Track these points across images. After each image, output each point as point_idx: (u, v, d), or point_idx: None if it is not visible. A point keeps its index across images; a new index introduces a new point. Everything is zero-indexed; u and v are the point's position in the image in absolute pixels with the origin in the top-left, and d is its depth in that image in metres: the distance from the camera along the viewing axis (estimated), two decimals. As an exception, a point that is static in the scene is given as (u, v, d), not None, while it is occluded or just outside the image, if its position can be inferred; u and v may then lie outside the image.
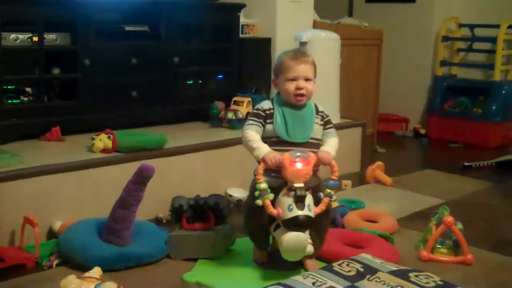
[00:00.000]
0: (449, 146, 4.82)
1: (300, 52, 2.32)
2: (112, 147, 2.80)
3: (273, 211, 2.08)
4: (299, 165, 2.08)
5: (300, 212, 2.04)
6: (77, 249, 2.26)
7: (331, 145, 2.23)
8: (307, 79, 2.19)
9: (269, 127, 2.19)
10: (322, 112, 2.27)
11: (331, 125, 2.28)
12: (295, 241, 2.06)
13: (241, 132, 2.23)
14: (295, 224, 2.05)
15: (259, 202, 2.08)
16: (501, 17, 4.92)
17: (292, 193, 2.06)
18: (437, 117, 5.09)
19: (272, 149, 2.14)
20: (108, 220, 2.35)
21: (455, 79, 5.23)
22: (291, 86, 2.18)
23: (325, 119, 2.27)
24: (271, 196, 2.09)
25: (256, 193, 2.10)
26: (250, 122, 2.21)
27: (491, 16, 5.05)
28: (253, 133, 2.17)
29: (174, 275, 2.22)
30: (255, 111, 2.24)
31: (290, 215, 2.05)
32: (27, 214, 2.36)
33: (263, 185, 2.08)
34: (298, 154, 2.10)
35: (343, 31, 4.08)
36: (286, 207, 2.06)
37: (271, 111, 2.20)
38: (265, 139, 2.18)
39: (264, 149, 2.13)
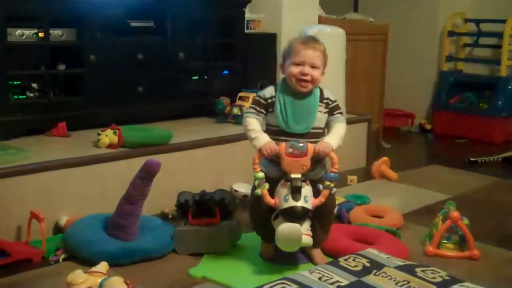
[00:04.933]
0: (455, 141, 4.81)
1: (312, 38, 2.22)
2: (118, 142, 2.81)
3: (270, 200, 2.09)
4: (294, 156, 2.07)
5: (295, 203, 2.04)
6: (84, 244, 2.27)
7: (334, 135, 2.16)
8: (313, 66, 2.13)
9: (270, 115, 2.16)
10: (327, 98, 2.19)
11: (339, 111, 2.20)
12: (288, 231, 2.05)
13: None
14: (290, 214, 2.05)
15: (258, 191, 2.09)
16: (507, 12, 4.90)
17: (289, 183, 2.06)
18: (443, 112, 5.08)
19: (272, 138, 2.12)
20: (114, 215, 2.36)
21: (461, 75, 5.21)
22: (295, 70, 2.12)
23: (331, 105, 2.19)
24: (267, 185, 2.09)
25: (256, 182, 2.10)
26: (251, 109, 2.18)
27: (497, 11, 5.03)
28: (253, 121, 2.15)
29: (180, 270, 2.23)
30: (256, 98, 2.20)
31: (285, 205, 2.05)
32: (34, 209, 2.36)
33: (260, 174, 2.09)
34: (294, 144, 2.09)
35: (349, 26, 4.07)
36: (283, 198, 2.06)
37: (273, 99, 2.16)
38: (268, 126, 2.16)
39: (262, 140, 2.10)
